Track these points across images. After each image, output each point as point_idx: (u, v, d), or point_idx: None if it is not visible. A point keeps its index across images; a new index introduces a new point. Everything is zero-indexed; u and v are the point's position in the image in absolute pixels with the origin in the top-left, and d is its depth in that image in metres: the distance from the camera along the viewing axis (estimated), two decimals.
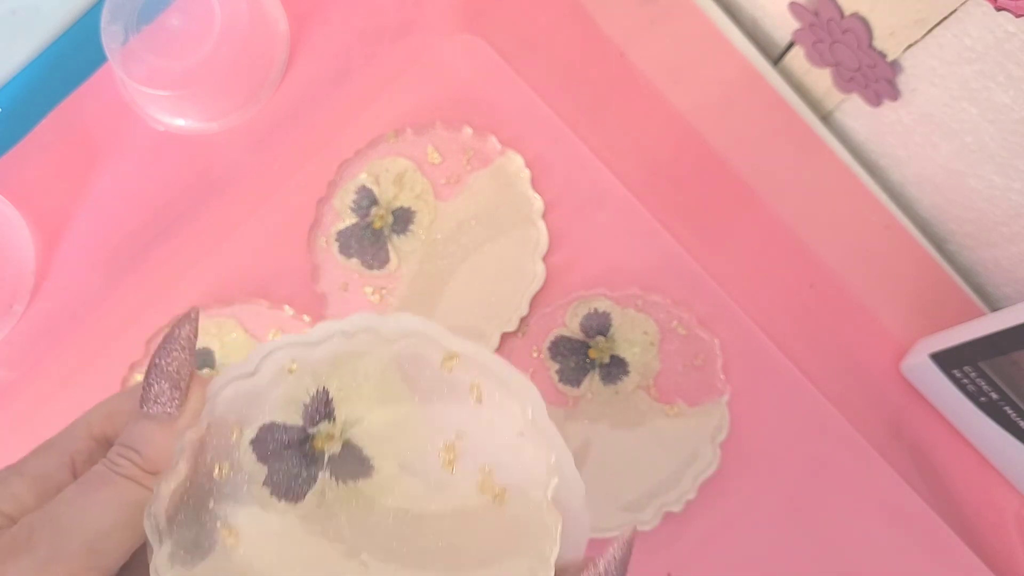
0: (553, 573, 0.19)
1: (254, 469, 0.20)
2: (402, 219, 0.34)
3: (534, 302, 0.34)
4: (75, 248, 0.36)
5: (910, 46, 0.31)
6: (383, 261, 0.34)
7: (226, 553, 0.19)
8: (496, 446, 0.20)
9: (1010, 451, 0.33)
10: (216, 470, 0.20)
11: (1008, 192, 0.32)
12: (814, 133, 0.37)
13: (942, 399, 0.34)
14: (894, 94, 0.33)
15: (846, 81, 0.35)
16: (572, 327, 0.34)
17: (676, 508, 0.32)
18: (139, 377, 0.33)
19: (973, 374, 0.31)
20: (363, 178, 0.35)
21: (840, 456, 0.33)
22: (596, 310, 0.34)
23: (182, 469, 0.20)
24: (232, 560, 0.20)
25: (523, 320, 0.34)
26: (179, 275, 0.35)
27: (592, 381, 0.33)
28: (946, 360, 0.32)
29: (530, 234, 0.34)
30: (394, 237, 0.34)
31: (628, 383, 0.33)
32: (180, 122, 0.36)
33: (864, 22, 0.32)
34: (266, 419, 0.20)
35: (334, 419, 0.20)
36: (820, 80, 0.37)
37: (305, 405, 0.20)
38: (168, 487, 0.19)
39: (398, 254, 0.34)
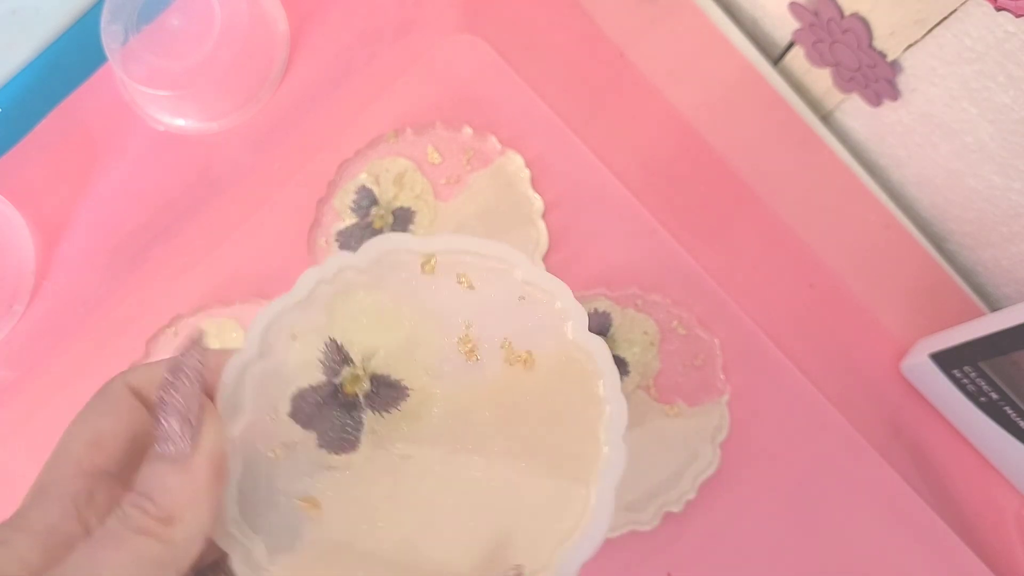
0: (612, 402, 0.20)
1: (304, 438, 0.20)
2: (402, 219, 0.34)
3: None
4: (75, 248, 0.36)
5: (910, 46, 0.31)
6: None
7: (317, 524, 0.20)
8: (505, 319, 0.21)
9: (1010, 451, 0.33)
10: (272, 454, 0.20)
11: (1008, 192, 0.32)
12: (814, 133, 0.37)
13: (942, 399, 0.34)
14: (894, 94, 0.33)
15: (846, 81, 0.35)
16: None
17: (676, 508, 0.32)
18: None
19: (973, 374, 0.31)
20: (363, 178, 0.35)
21: (840, 456, 0.33)
22: (596, 310, 0.34)
23: (239, 468, 0.20)
24: (325, 526, 0.20)
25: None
26: (179, 275, 0.35)
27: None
28: (946, 360, 0.32)
29: (530, 234, 0.34)
30: None
31: (628, 383, 0.33)
32: (180, 122, 0.36)
33: (864, 22, 0.32)
34: (292, 388, 0.21)
35: (352, 361, 0.21)
36: (820, 80, 0.37)
37: (321, 361, 0.21)
38: (232, 492, 0.19)
39: None
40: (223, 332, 0.34)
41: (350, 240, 0.34)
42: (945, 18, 0.29)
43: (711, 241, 0.36)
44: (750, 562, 0.33)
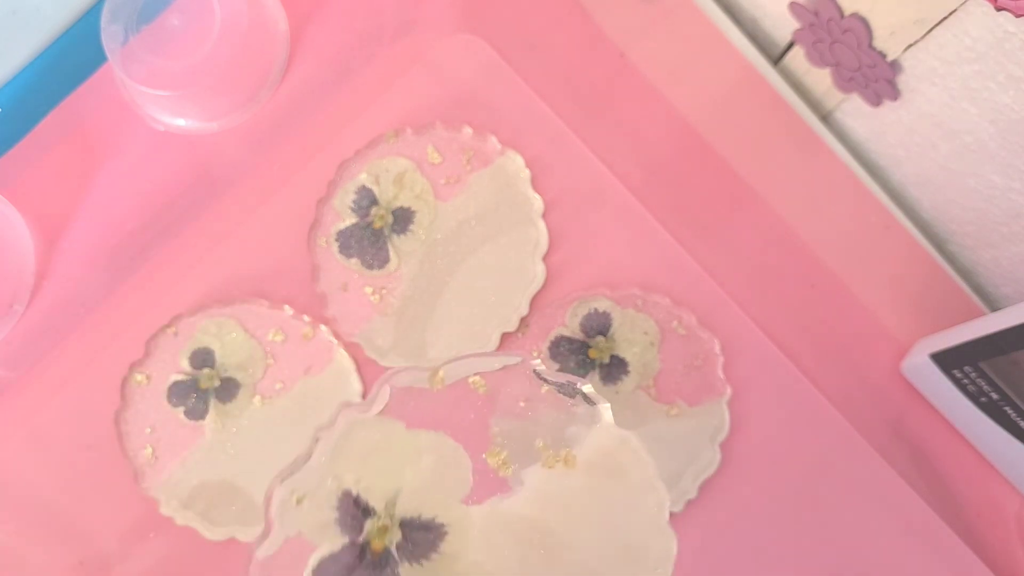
0: (664, 490, 0.18)
1: None
2: (402, 219, 0.34)
3: (534, 302, 0.34)
4: (75, 248, 0.36)
5: (910, 46, 0.31)
6: (383, 261, 0.34)
7: None
8: (532, 418, 0.19)
9: (1010, 451, 0.33)
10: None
11: (1008, 192, 0.32)
12: (814, 133, 0.37)
13: (942, 399, 0.34)
14: (894, 94, 0.33)
15: (846, 81, 0.35)
16: (572, 327, 0.34)
17: (676, 508, 0.32)
18: (139, 377, 0.33)
19: (973, 374, 0.31)
20: (363, 178, 0.35)
21: (840, 456, 0.33)
22: (596, 310, 0.34)
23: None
24: None
25: (523, 320, 0.34)
26: (179, 275, 0.35)
27: (592, 381, 0.33)
28: (946, 360, 0.32)
29: (530, 234, 0.34)
30: (394, 237, 0.34)
31: (628, 383, 0.33)
32: (180, 122, 0.36)
33: (864, 22, 0.32)
34: (312, 561, 0.18)
35: (374, 511, 0.18)
36: (820, 80, 0.37)
37: (336, 520, 0.18)
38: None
39: (398, 254, 0.34)
40: (223, 332, 0.34)
41: (350, 240, 0.34)
42: (945, 18, 0.29)
43: (711, 241, 0.36)
44: (750, 562, 0.33)
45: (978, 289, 0.37)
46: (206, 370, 0.33)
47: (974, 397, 0.32)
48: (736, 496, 0.33)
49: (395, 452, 0.18)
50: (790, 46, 0.37)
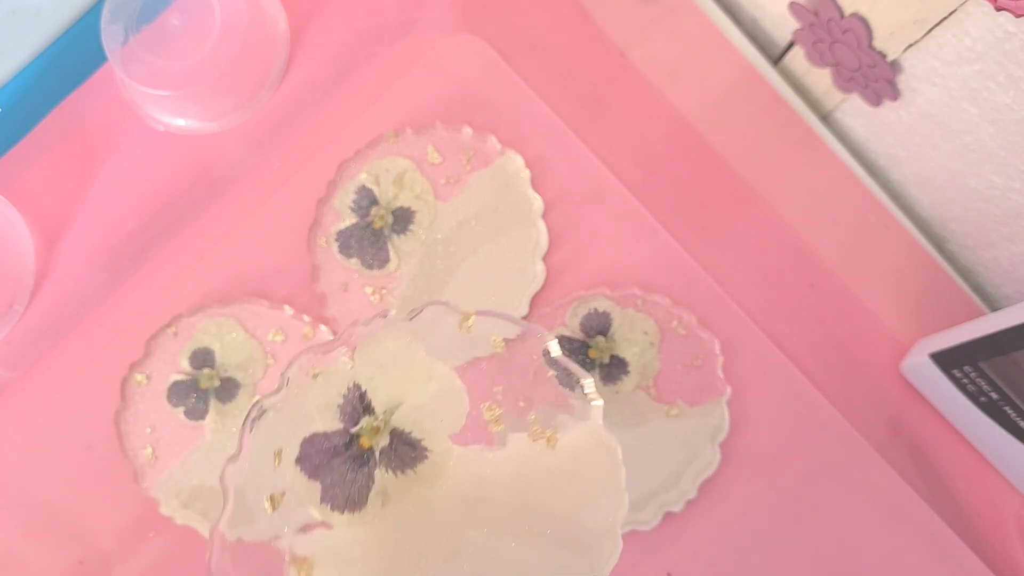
0: (626, 499, 0.19)
1: (308, 489, 0.19)
2: (402, 219, 0.34)
3: (534, 302, 0.34)
4: (75, 248, 0.36)
5: (910, 46, 0.31)
6: (383, 261, 0.34)
7: None
8: (531, 390, 0.20)
9: (1010, 451, 0.33)
10: (267, 504, 0.19)
11: (1008, 192, 0.32)
12: (814, 133, 0.37)
13: (942, 399, 0.34)
14: (894, 94, 0.33)
15: (846, 81, 0.35)
16: (572, 327, 0.34)
17: (676, 508, 0.33)
18: (139, 377, 0.33)
19: (973, 374, 0.31)
20: (363, 178, 0.35)
21: (840, 456, 0.33)
22: (596, 310, 0.34)
23: (230, 512, 0.18)
24: None
25: (523, 320, 0.34)
26: (179, 275, 0.35)
27: (592, 381, 0.33)
28: (946, 360, 0.32)
29: (530, 234, 0.34)
30: (394, 237, 0.34)
31: (628, 383, 0.33)
32: (180, 122, 0.36)
33: (864, 22, 0.32)
34: (305, 432, 0.19)
35: (373, 411, 0.19)
36: (820, 80, 0.37)
37: (339, 406, 0.19)
38: (222, 536, 0.18)
39: (398, 254, 0.34)
40: (223, 332, 0.34)
41: (350, 240, 0.34)
42: (945, 18, 0.29)
43: (711, 241, 0.36)
44: (750, 562, 0.33)
45: (978, 289, 0.37)
46: (206, 370, 0.33)
47: (974, 397, 0.32)
48: (736, 496, 0.33)
49: (410, 369, 0.20)
50: (790, 46, 0.37)
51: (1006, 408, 0.31)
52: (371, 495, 0.19)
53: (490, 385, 0.20)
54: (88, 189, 0.36)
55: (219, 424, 0.33)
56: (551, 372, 0.20)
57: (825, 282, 0.36)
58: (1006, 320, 0.28)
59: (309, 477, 0.19)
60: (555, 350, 0.21)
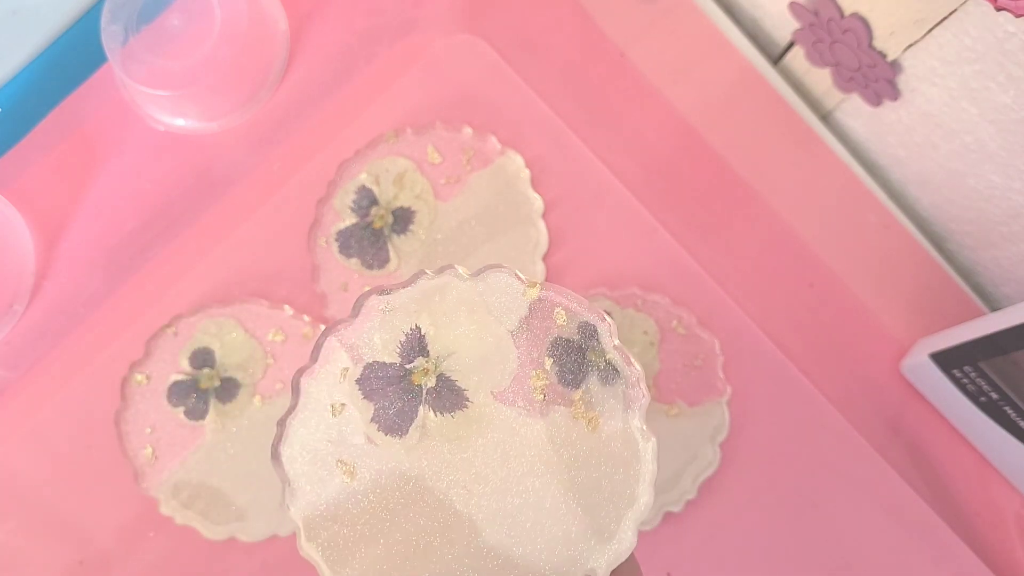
0: (652, 497, 0.21)
1: (362, 407, 0.22)
2: (402, 219, 0.34)
3: (534, 302, 0.34)
4: (75, 248, 0.36)
5: (910, 46, 0.31)
6: (383, 261, 0.34)
7: (344, 488, 0.21)
8: (585, 372, 0.23)
9: (1010, 451, 0.33)
10: (330, 410, 0.22)
11: (1008, 192, 0.32)
12: (814, 133, 0.37)
13: (942, 399, 0.34)
14: (894, 94, 0.33)
15: (846, 81, 0.35)
16: (572, 327, 0.34)
17: (676, 508, 0.32)
18: (139, 377, 0.33)
19: (973, 374, 0.31)
20: (363, 178, 0.35)
21: (840, 456, 0.33)
22: None
23: (302, 410, 0.21)
24: (349, 494, 0.21)
25: (523, 320, 0.34)
26: (179, 275, 0.35)
27: (591, 382, 0.33)
28: (946, 360, 0.32)
29: (530, 234, 0.34)
30: (394, 237, 0.34)
31: None
32: (180, 122, 0.36)
33: (864, 22, 0.32)
34: (368, 358, 0.22)
35: (428, 354, 0.22)
36: (820, 80, 0.37)
37: (400, 343, 0.22)
38: (293, 428, 0.21)
39: (398, 254, 0.34)
40: (223, 332, 0.34)
41: (350, 240, 0.34)
42: (945, 18, 0.29)
43: (711, 241, 0.36)
44: (750, 562, 0.33)
45: (978, 289, 0.37)
46: (206, 370, 0.33)
47: (974, 397, 0.32)
48: (736, 496, 0.33)
49: (468, 324, 0.22)
50: (790, 46, 0.37)
51: (1006, 408, 0.31)
52: (412, 426, 0.22)
53: (542, 355, 0.23)
54: (88, 189, 0.36)
55: (219, 424, 0.33)
56: (605, 356, 0.23)
57: (825, 282, 0.36)
58: (1006, 320, 0.28)
59: (364, 397, 0.22)
60: (611, 345, 0.23)
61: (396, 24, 0.37)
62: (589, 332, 0.23)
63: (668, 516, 0.33)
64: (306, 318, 0.34)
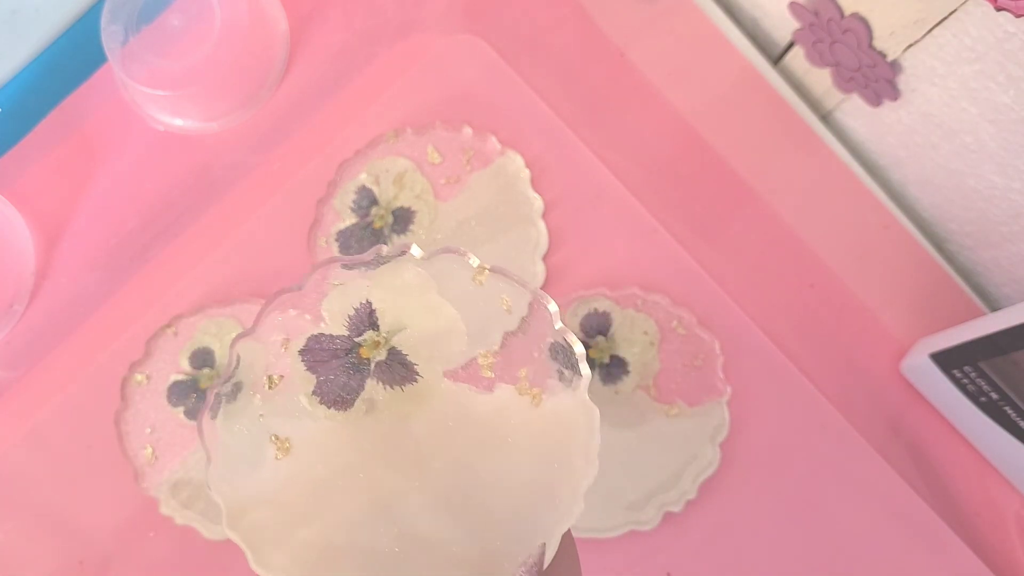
0: (596, 467, 0.21)
1: (303, 378, 0.21)
2: (402, 219, 0.34)
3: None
4: (75, 248, 0.36)
5: (910, 46, 0.31)
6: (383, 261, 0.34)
7: (275, 465, 0.20)
8: (528, 352, 0.22)
9: (1010, 451, 0.33)
10: (266, 381, 0.21)
11: (1008, 192, 0.32)
12: (814, 133, 0.37)
13: (942, 399, 0.34)
14: (894, 94, 0.33)
15: (846, 81, 0.35)
16: (572, 327, 0.34)
17: (676, 508, 0.32)
18: (139, 377, 0.33)
19: (973, 374, 0.31)
20: (363, 178, 0.35)
21: (840, 456, 0.33)
22: (596, 310, 0.34)
23: (236, 379, 0.21)
24: (280, 472, 0.20)
25: (523, 320, 0.34)
26: (179, 275, 0.35)
27: (592, 381, 0.33)
28: (946, 360, 0.32)
29: (530, 234, 0.34)
30: (394, 237, 0.34)
31: (628, 383, 0.33)
32: (180, 122, 0.36)
33: (864, 22, 0.32)
34: (313, 329, 0.21)
35: (378, 328, 0.22)
36: (820, 80, 0.37)
37: (350, 316, 0.22)
38: (224, 398, 0.20)
39: None
40: (223, 332, 0.34)
41: (350, 240, 0.34)
42: (945, 18, 0.29)
43: (711, 241, 0.36)
44: (750, 562, 0.33)
45: (978, 289, 0.37)
46: (206, 370, 0.33)
47: (974, 397, 0.32)
48: (736, 496, 0.33)
49: (421, 303, 0.22)
50: (790, 46, 0.37)
51: (1006, 408, 0.31)
52: (358, 400, 0.21)
53: (491, 334, 0.22)
54: (88, 189, 0.36)
55: (219, 424, 0.33)
56: (548, 339, 0.22)
57: (825, 282, 0.36)
58: (1006, 320, 0.28)
59: (307, 369, 0.21)
60: (558, 328, 0.22)
61: (396, 24, 0.37)
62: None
63: (668, 516, 0.33)
64: (307, 317, 0.34)
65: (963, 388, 0.32)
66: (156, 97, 0.35)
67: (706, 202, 0.36)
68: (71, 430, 0.33)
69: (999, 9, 0.26)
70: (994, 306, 0.37)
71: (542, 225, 0.35)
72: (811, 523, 0.33)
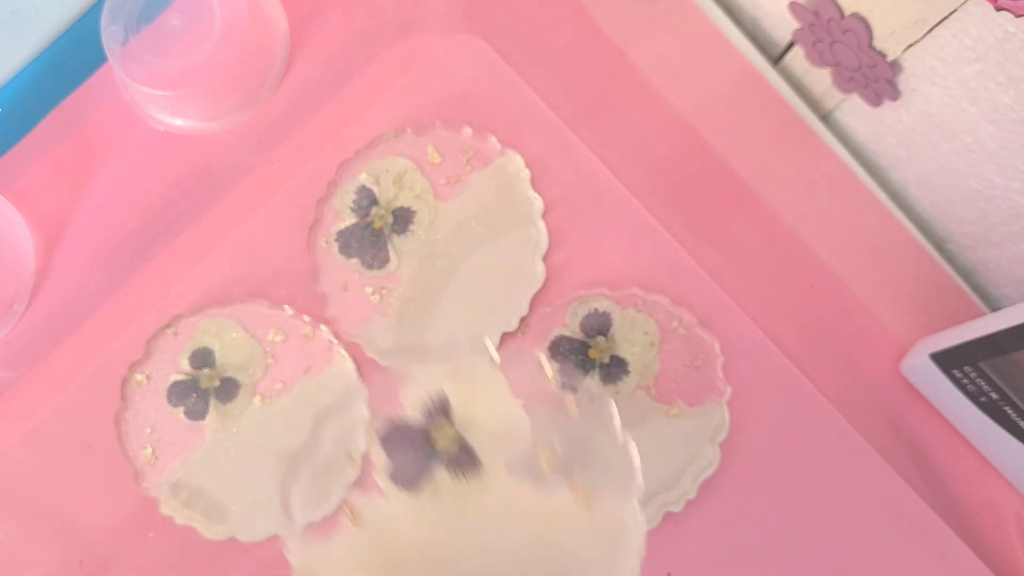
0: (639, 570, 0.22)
1: (380, 460, 0.23)
2: (402, 219, 0.34)
3: (534, 302, 0.34)
4: (75, 248, 0.36)
5: (910, 46, 0.31)
6: (383, 261, 0.34)
7: (349, 535, 0.22)
8: (590, 455, 0.24)
9: (1010, 451, 0.33)
10: (348, 457, 0.24)
11: (1008, 192, 0.32)
12: (814, 133, 0.37)
13: (942, 399, 0.34)
14: (894, 94, 0.33)
15: (846, 81, 0.35)
16: (572, 327, 0.34)
17: (676, 508, 0.33)
18: (139, 377, 0.33)
19: (973, 374, 0.31)
20: (363, 178, 0.35)
21: (840, 456, 0.33)
22: (596, 310, 0.34)
23: (319, 452, 0.23)
24: (350, 542, 0.22)
25: (523, 320, 0.34)
26: (179, 275, 0.35)
27: (592, 381, 0.33)
28: (946, 360, 0.32)
29: (530, 234, 0.34)
30: (394, 237, 0.34)
31: (628, 383, 0.33)
32: (180, 122, 0.36)
33: (864, 22, 0.32)
34: (394, 416, 0.23)
35: (451, 419, 0.24)
36: (820, 80, 0.37)
37: (426, 405, 0.23)
38: (306, 468, 0.23)
39: (398, 254, 0.34)
40: (223, 332, 0.34)
41: (350, 240, 0.34)
42: (945, 18, 0.29)
43: (711, 241, 0.36)
44: (750, 562, 0.33)
45: (978, 289, 0.37)
46: (206, 370, 0.33)
47: (974, 397, 0.32)
48: (736, 496, 0.33)
49: (490, 398, 0.24)
50: (790, 46, 0.37)
51: (1006, 408, 0.31)
52: (426, 484, 0.23)
53: (554, 437, 0.24)
54: (88, 189, 0.36)
55: (219, 424, 0.33)
56: (607, 445, 0.24)
57: (825, 282, 0.36)
58: (1006, 320, 0.28)
59: (385, 451, 0.23)
60: (618, 434, 0.24)
61: (396, 24, 0.37)
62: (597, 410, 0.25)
63: (668, 516, 0.33)
64: (306, 318, 0.34)
65: (963, 388, 0.32)
66: (156, 97, 0.35)
67: (706, 202, 0.36)
68: (71, 430, 0.33)
69: (999, 9, 0.26)
70: (994, 306, 0.37)
71: (542, 225, 0.35)
72: (811, 523, 0.33)
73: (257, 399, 0.33)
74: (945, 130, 0.33)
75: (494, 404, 0.24)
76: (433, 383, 0.23)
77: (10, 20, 0.37)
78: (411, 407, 0.23)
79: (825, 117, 0.39)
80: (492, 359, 0.24)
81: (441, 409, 0.23)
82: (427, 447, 0.23)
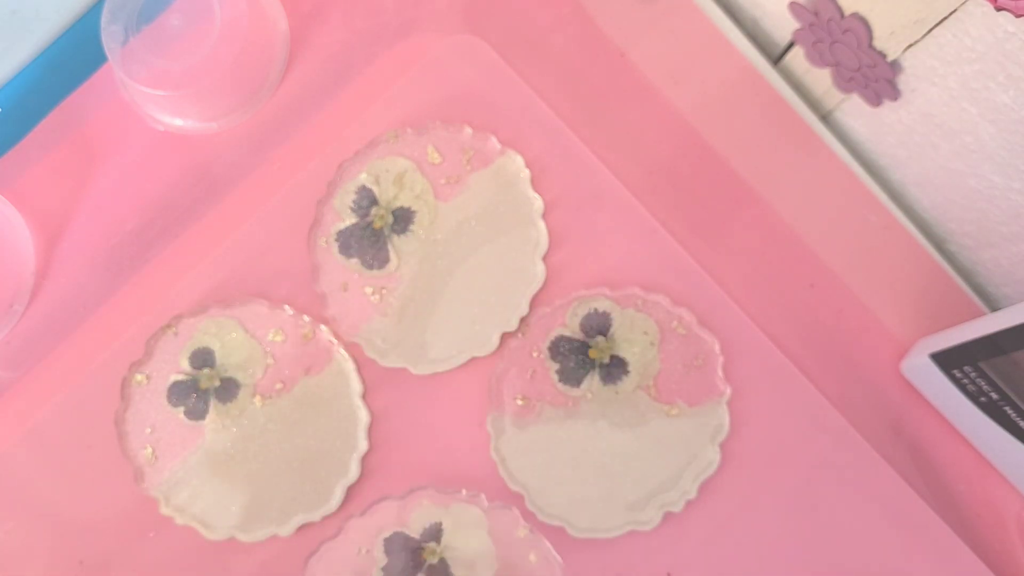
0: None
1: (380, 559, 0.31)
2: (402, 219, 0.34)
3: (534, 302, 0.34)
4: (75, 248, 0.36)
5: (910, 46, 0.31)
6: (383, 261, 0.34)
7: None
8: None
9: (1010, 451, 0.33)
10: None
11: (1008, 192, 0.32)
12: (814, 133, 0.37)
13: (942, 399, 0.34)
14: (894, 94, 0.33)
15: (846, 81, 0.35)
16: (572, 327, 0.34)
17: (676, 508, 0.33)
18: (139, 377, 0.33)
19: (973, 374, 0.31)
20: (363, 178, 0.35)
21: (840, 456, 0.33)
22: (596, 310, 0.34)
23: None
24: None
25: (523, 320, 0.34)
26: (179, 275, 0.35)
27: (592, 381, 0.33)
28: (946, 360, 0.32)
29: (530, 234, 0.34)
30: (394, 237, 0.34)
31: (628, 383, 0.33)
32: (180, 122, 0.36)
33: (864, 22, 0.32)
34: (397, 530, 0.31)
35: (439, 540, 0.31)
36: (820, 80, 0.37)
37: (424, 528, 0.31)
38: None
39: (398, 254, 0.34)
40: (223, 332, 0.34)
41: (350, 240, 0.34)
42: (945, 18, 0.29)
43: (711, 241, 0.36)
44: (750, 562, 0.33)
45: (978, 289, 0.37)
46: (206, 370, 0.33)
47: (974, 397, 0.32)
48: (736, 496, 0.33)
49: (469, 535, 0.31)
50: (790, 46, 0.37)
51: (1006, 408, 0.31)
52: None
53: None
54: (88, 189, 0.36)
55: (219, 424, 0.33)
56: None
57: (825, 282, 0.36)
58: (1006, 320, 0.28)
59: (386, 553, 0.31)
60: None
61: (396, 24, 0.37)
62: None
63: (668, 516, 0.33)
64: (306, 318, 0.34)
65: (963, 388, 0.32)
66: (156, 97, 0.35)
67: (706, 202, 0.36)
68: (71, 430, 0.33)
69: (999, 9, 0.26)
70: (994, 306, 0.37)
71: (542, 225, 0.35)
72: (811, 523, 0.33)
73: (257, 399, 0.33)
74: (945, 130, 0.33)
75: (471, 538, 0.31)
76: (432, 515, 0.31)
77: (10, 20, 0.37)
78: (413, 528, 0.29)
79: (825, 117, 0.39)
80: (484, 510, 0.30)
81: (433, 536, 0.31)
82: (418, 558, 0.30)
